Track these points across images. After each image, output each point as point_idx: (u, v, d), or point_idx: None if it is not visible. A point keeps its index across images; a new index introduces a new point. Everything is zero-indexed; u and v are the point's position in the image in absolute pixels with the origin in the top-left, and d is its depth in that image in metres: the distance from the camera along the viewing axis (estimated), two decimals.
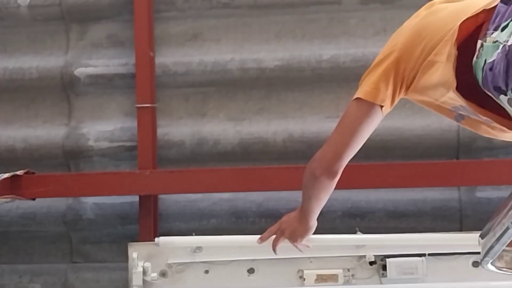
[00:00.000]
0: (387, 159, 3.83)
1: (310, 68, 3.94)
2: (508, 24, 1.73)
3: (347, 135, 2.30)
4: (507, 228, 2.06)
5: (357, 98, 2.24)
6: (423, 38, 2.08)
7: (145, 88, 3.98)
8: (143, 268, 3.27)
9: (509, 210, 2.05)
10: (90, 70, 4.11)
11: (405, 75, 2.15)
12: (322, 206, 2.56)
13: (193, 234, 3.37)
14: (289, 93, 3.99)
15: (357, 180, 3.51)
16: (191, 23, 4.08)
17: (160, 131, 4.04)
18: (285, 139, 3.96)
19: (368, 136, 2.29)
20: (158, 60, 4.04)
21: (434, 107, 2.20)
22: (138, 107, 3.97)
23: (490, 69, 1.73)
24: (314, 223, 2.68)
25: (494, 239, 2.19)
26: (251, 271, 3.33)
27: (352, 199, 3.92)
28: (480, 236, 2.47)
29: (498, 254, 2.32)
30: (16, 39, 4.22)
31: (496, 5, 1.85)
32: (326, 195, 2.49)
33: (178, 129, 4.06)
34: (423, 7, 2.30)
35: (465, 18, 1.91)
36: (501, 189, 3.64)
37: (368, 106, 2.22)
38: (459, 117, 2.15)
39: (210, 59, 4.03)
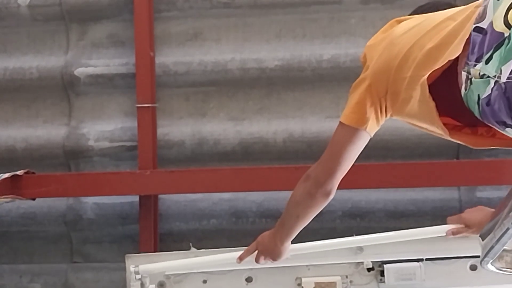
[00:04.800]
0: (388, 159, 3.83)
1: (311, 67, 3.93)
2: (491, 55, 1.72)
3: (338, 157, 2.39)
4: (507, 229, 2.06)
5: (341, 122, 2.32)
6: (390, 68, 2.15)
7: (145, 88, 3.98)
8: (141, 281, 3.26)
9: (509, 211, 2.05)
10: (90, 70, 4.11)
11: (380, 97, 2.22)
12: (302, 228, 2.59)
13: (191, 244, 3.36)
14: (290, 92, 3.99)
15: (357, 180, 3.50)
16: (192, 22, 4.08)
17: (161, 131, 4.04)
18: (285, 139, 3.95)
19: (358, 154, 2.37)
20: (159, 60, 4.04)
21: (425, 130, 2.25)
22: (138, 107, 3.97)
23: (487, 104, 1.74)
24: (289, 244, 2.72)
25: (495, 239, 2.19)
26: (249, 279, 3.31)
27: (352, 199, 3.92)
28: (480, 236, 2.47)
29: (498, 254, 2.32)
30: (16, 39, 4.22)
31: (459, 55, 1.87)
32: (314, 214, 2.56)
33: (179, 129, 4.06)
34: (388, 24, 2.35)
35: (431, 71, 1.94)
36: (501, 189, 3.64)
37: (351, 130, 2.32)
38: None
39: (211, 59, 4.03)
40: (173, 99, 4.09)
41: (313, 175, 2.44)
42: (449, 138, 2.08)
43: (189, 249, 3.32)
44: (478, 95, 1.77)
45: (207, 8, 4.03)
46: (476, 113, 1.82)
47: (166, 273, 3.30)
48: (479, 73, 1.76)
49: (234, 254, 3.17)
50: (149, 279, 3.29)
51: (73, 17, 4.14)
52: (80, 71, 4.11)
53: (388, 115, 2.29)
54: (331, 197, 2.45)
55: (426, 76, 1.95)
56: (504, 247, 2.28)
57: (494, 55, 1.71)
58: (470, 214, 2.96)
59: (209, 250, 3.34)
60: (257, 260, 2.81)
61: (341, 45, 3.93)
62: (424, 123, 2.12)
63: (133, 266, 3.25)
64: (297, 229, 2.60)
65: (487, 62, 1.73)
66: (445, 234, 3.01)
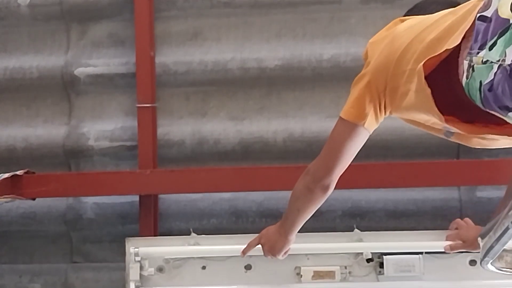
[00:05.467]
0: (388, 158, 3.82)
1: (311, 67, 3.93)
2: (495, 42, 1.72)
3: (336, 152, 2.44)
4: (507, 228, 2.07)
5: (340, 117, 2.35)
6: (390, 63, 2.16)
7: (145, 88, 3.97)
8: (140, 263, 3.27)
9: (509, 211, 2.05)
10: (90, 70, 4.10)
11: (379, 92, 2.24)
12: (305, 221, 2.60)
13: (191, 230, 3.37)
14: (290, 92, 3.99)
15: (357, 180, 3.50)
16: (192, 22, 4.08)
17: (161, 130, 4.04)
18: (285, 139, 3.95)
19: (357, 150, 2.39)
20: (159, 59, 4.03)
21: (423, 127, 2.26)
22: (138, 107, 3.97)
23: (489, 89, 1.74)
24: (293, 238, 2.74)
25: (494, 239, 2.20)
26: (248, 267, 3.34)
27: (352, 198, 3.91)
28: (480, 236, 2.48)
29: (498, 254, 2.32)
30: (16, 39, 4.22)
31: (459, 44, 1.87)
32: (315, 208, 2.59)
33: (179, 128, 4.06)
34: (392, 22, 2.36)
35: (428, 58, 1.95)
36: (501, 188, 3.62)
37: (350, 125, 2.36)
38: (449, 134, 2.20)
39: (211, 58, 4.02)
40: (173, 98, 4.09)
41: (312, 170, 2.47)
42: (444, 125, 2.08)
43: (189, 234, 3.33)
44: (480, 82, 1.77)
45: (207, 8, 4.03)
46: (478, 101, 1.81)
47: (166, 257, 3.32)
48: (482, 60, 1.76)
49: (232, 247, 3.20)
50: (148, 262, 3.31)
51: (73, 17, 4.14)
52: (80, 71, 4.11)
53: (387, 113, 2.30)
54: (330, 191, 2.47)
55: (422, 63, 1.96)
56: (504, 247, 2.29)
57: (499, 41, 1.72)
58: (467, 231, 3.04)
59: (208, 236, 3.35)
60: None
61: (341, 44, 3.93)
62: (422, 114, 2.13)
63: (133, 247, 3.27)
64: (299, 222, 2.63)
65: (490, 48, 1.74)
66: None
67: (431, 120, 2.11)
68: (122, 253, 3.59)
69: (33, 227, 4.17)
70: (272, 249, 2.79)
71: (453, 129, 2.11)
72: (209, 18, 4.05)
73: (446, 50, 1.91)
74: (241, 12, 4.02)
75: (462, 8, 1.98)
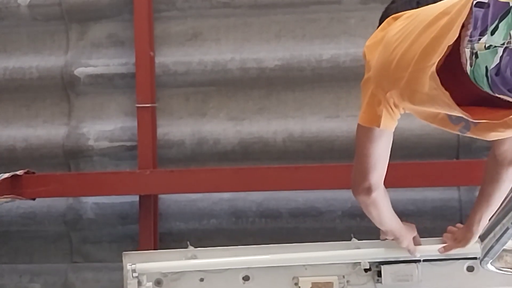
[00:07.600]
0: None
1: (310, 67, 3.93)
2: (497, 26, 1.72)
3: (363, 156, 2.47)
4: (507, 229, 2.07)
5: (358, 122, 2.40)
6: (387, 69, 2.18)
7: (145, 88, 3.98)
8: (138, 279, 3.27)
9: (509, 211, 2.06)
10: (90, 70, 4.11)
11: (385, 93, 2.24)
12: (390, 213, 2.77)
13: (188, 242, 3.37)
14: (289, 92, 3.99)
15: None
16: (191, 22, 4.08)
17: (160, 130, 4.04)
18: (285, 139, 3.95)
19: (385, 149, 2.47)
20: (158, 59, 4.04)
21: (438, 122, 2.25)
22: (138, 107, 3.97)
23: (496, 74, 1.73)
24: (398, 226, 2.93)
25: (494, 239, 2.21)
26: (246, 278, 3.32)
27: (352, 198, 3.83)
28: (479, 237, 2.49)
29: (498, 254, 2.33)
30: (16, 39, 4.22)
31: (458, 37, 1.86)
32: (381, 207, 2.63)
33: (178, 128, 4.06)
34: (385, 22, 2.37)
35: (436, 62, 1.93)
36: None
37: (367, 129, 2.40)
38: (464, 129, 2.19)
39: (210, 59, 4.03)
40: (173, 99, 4.09)
41: (351, 180, 2.53)
42: (471, 120, 2.02)
43: (186, 247, 3.33)
44: (486, 67, 1.76)
45: (206, 8, 4.03)
46: (486, 87, 1.80)
47: (163, 271, 3.31)
48: (485, 46, 1.75)
49: (230, 259, 3.21)
50: (146, 277, 3.30)
51: (73, 17, 4.14)
52: (80, 71, 4.11)
53: (401, 109, 2.32)
54: (375, 192, 2.52)
55: (434, 68, 1.94)
56: (504, 247, 2.29)
57: (500, 24, 1.71)
58: (458, 230, 3.08)
59: (206, 248, 3.35)
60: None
61: (340, 45, 3.93)
62: (439, 111, 2.12)
63: (130, 264, 3.26)
64: (384, 220, 2.83)
65: (492, 33, 1.73)
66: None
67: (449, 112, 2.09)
68: (122, 253, 3.59)
69: (33, 227, 4.18)
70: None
71: (478, 121, 2.04)
72: (208, 19, 4.05)
73: (448, 46, 1.90)
74: (240, 12, 4.02)
75: (455, 5, 1.98)
